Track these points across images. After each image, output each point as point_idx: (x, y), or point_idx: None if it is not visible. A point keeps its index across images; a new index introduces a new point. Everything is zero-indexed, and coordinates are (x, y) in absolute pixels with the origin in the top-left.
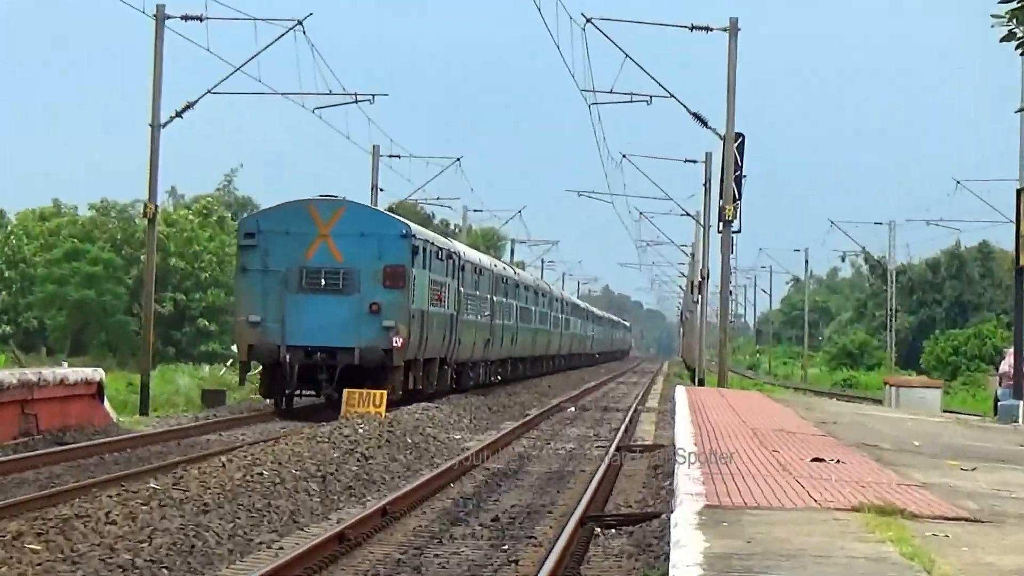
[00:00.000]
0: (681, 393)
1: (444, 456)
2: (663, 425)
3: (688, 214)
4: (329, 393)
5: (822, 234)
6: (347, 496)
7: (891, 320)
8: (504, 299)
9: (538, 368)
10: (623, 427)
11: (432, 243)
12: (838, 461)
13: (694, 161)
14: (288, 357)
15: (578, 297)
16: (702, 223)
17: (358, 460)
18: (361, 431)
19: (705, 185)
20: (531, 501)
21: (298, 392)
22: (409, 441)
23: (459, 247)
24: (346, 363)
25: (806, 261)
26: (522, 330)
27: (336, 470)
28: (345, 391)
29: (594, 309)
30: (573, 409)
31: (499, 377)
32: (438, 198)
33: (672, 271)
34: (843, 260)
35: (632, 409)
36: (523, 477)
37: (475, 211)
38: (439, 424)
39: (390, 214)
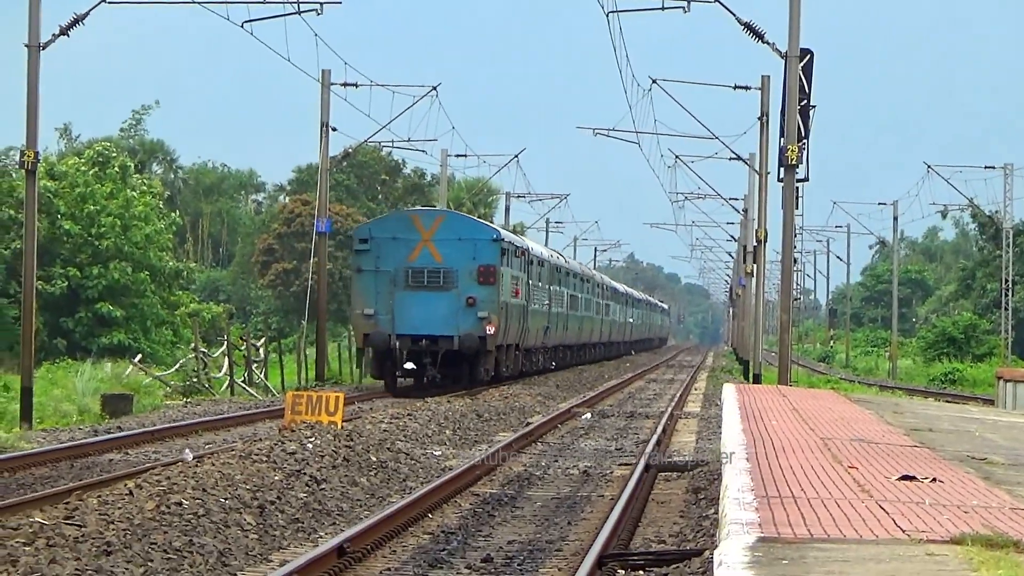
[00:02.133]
0: (730, 393)
1: (420, 478)
2: (707, 436)
3: (739, 158)
4: (432, 375)
5: (916, 183)
6: (293, 531)
7: (1007, 295)
8: (558, 288)
9: (582, 356)
10: (654, 439)
11: (512, 243)
12: (934, 480)
13: (746, 88)
14: (397, 344)
15: (595, 268)
16: (757, 169)
17: (307, 484)
18: (311, 446)
19: (761, 119)
20: (533, 536)
21: (401, 375)
22: (374, 459)
23: (528, 243)
24: (447, 349)
25: (895, 219)
26: (571, 317)
27: (278, 498)
28: (289, 393)
29: (633, 292)
30: (589, 415)
31: (553, 364)
32: (409, 140)
33: (718, 233)
34: (944, 217)
35: (666, 415)
36: (523, 505)
37: (458, 156)
38: (413, 436)
39: (483, 221)
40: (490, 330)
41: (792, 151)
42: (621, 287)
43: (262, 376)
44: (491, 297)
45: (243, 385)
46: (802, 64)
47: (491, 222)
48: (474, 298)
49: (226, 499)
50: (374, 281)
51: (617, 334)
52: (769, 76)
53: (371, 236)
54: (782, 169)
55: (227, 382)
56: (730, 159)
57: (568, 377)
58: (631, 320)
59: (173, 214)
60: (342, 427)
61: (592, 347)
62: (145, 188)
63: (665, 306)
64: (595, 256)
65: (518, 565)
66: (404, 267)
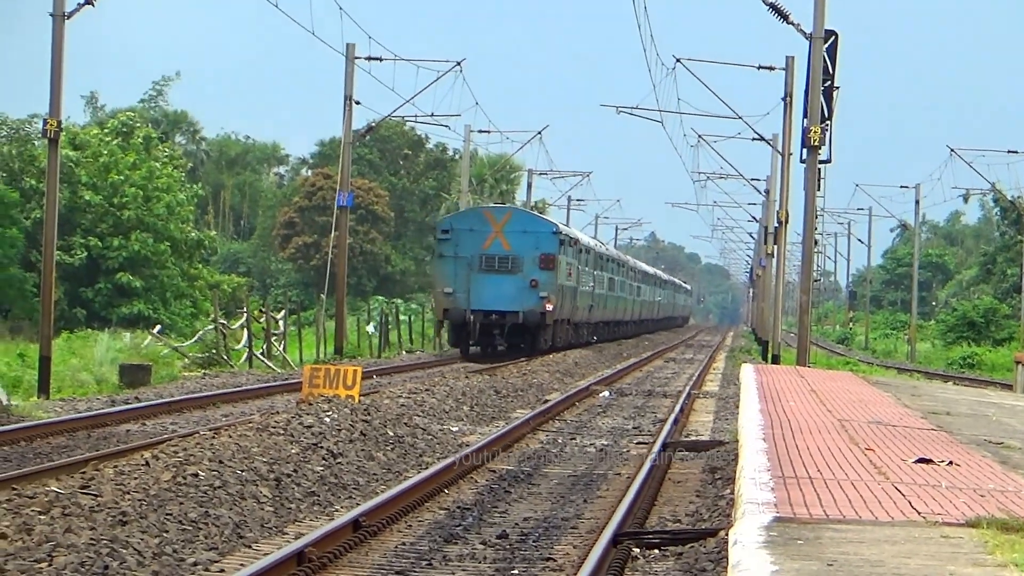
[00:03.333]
0: (749, 374)
1: (436, 453)
2: (724, 416)
3: (762, 138)
4: (499, 344)
5: (939, 166)
6: (308, 504)
7: None
8: (599, 272)
9: (618, 332)
10: (672, 418)
11: (568, 235)
12: (951, 463)
13: (771, 68)
14: (471, 318)
15: (616, 246)
16: (780, 150)
17: (323, 458)
18: (328, 420)
19: (785, 100)
20: (549, 513)
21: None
22: (391, 434)
23: (577, 233)
24: (513, 323)
25: (917, 202)
26: (609, 298)
27: (295, 471)
28: (307, 367)
29: (661, 273)
30: (608, 393)
31: (594, 338)
32: (432, 115)
33: (740, 214)
34: (966, 201)
35: (684, 394)
36: (539, 482)
37: (481, 132)
38: (430, 412)
39: (544, 216)
40: (549, 307)
41: (815, 132)
42: (651, 270)
43: (281, 349)
44: (550, 280)
45: (261, 358)
46: (827, 45)
47: (513, 198)
48: (536, 280)
49: (242, 471)
50: (453, 265)
51: (647, 312)
52: (794, 57)
53: (452, 227)
54: (805, 150)
55: (246, 354)
56: (753, 139)
57: (587, 355)
58: (659, 300)
59: (195, 186)
60: (359, 401)
61: (626, 324)
62: (167, 159)
63: (688, 287)
64: (616, 234)
65: (533, 542)
66: (479, 254)
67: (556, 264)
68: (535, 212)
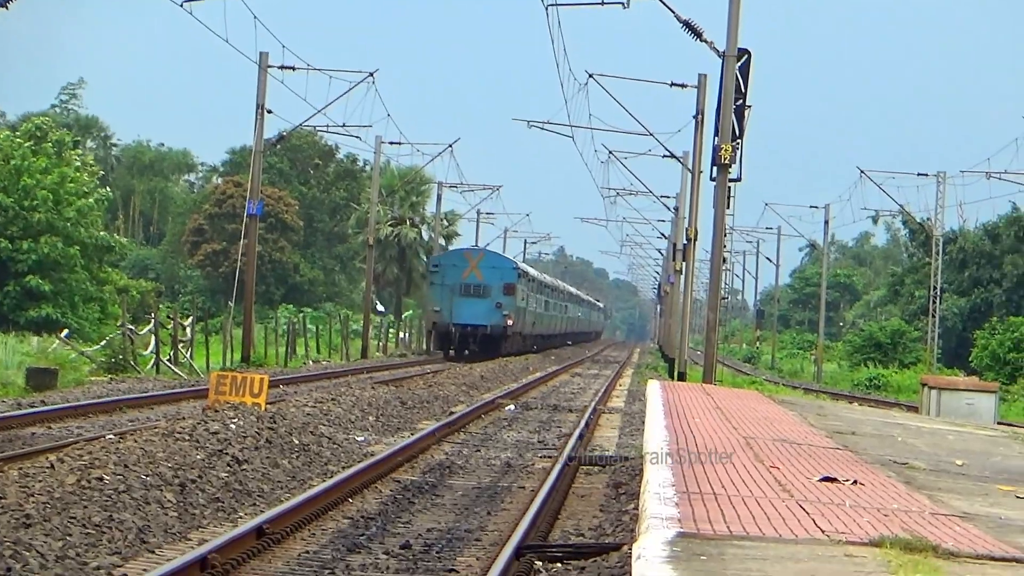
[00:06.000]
0: (655, 390)
1: (341, 463)
2: (629, 431)
3: (673, 155)
4: (474, 349)
5: (849, 187)
6: (213, 510)
7: (934, 303)
8: (539, 295)
9: (550, 343)
10: (577, 432)
11: (523, 269)
12: (855, 482)
13: (683, 86)
14: (453, 330)
15: (524, 260)
16: (690, 167)
17: (228, 464)
18: (234, 427)
19: (696, 117)
20: (452, 524)
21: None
22: (296, 442)
23: (528, 268)
24: (483, 334)
25: (826, 222)
26: (546, 316)
27: (199, 476)
28: (214, 374)
29: (581, 293)
30: (513, 407)
31: (535, 347)
32: (343, 125)
33: (649, 230)
34: (875, 222)
35: (590, 409)
36: (443, 493)
37: (392, 144)
38: (336, 421)
39: (507, 256)
40: (510, 323)
41: (726, 150)
42: (574, 290)
43: (188, 356)
44: (511, 303)
45: (168, 364)
46: (739, 64)
47: (423, 210)
48: (501, 303)
49: (147, 476)
50: (440, 291)
51: (571, 327)
52: (706, 75)
53: (440, 263)
54: (715, 168)
55: (153, 360)
56: (664, 156)
57: (493, 368)
58: (579, 316)
59: (104, 189)
60: (266, 409)
61: (556, 336)
62: (80, 164)
63: (601, 304)
64: (525, 248)
65: (436, 553)
66: (460, 282)
67: (515, 291)
68: (502, 253)
